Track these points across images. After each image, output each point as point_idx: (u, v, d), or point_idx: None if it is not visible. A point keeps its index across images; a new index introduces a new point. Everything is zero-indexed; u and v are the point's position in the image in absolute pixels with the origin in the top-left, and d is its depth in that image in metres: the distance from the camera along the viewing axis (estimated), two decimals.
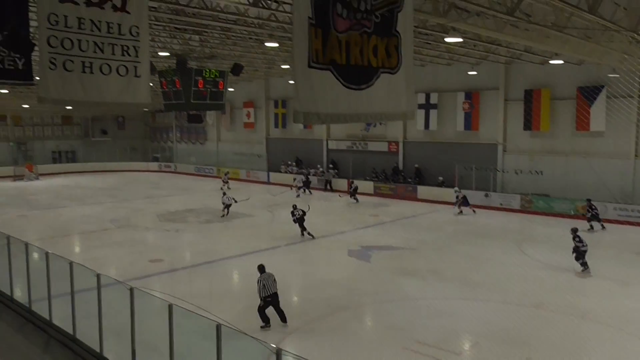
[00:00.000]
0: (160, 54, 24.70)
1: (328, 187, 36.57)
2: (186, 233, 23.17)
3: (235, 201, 27.69)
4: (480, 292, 15.54)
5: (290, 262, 18.49)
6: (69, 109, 50.33)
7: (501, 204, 29.56)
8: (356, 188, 32.96)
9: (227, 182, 36.88)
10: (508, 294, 15.31)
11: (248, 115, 45.69)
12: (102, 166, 51.91)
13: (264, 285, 12.65)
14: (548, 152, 29.82)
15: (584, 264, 17.65)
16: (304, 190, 35.52)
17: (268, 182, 40.35)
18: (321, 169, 39.16)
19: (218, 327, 7.95)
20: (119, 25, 8.57)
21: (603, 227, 24.27)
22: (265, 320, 12.86)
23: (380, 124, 35.86)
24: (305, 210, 23.01)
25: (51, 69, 8.07)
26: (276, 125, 43.38)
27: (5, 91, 36.90)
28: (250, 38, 22.57)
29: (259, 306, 12.84)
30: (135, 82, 8.83)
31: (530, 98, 30.19)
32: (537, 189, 29.37)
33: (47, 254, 11.92)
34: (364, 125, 37.07)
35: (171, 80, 24.32)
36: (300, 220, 22.54)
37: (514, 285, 16.19)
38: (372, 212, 28.51)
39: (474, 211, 28.49)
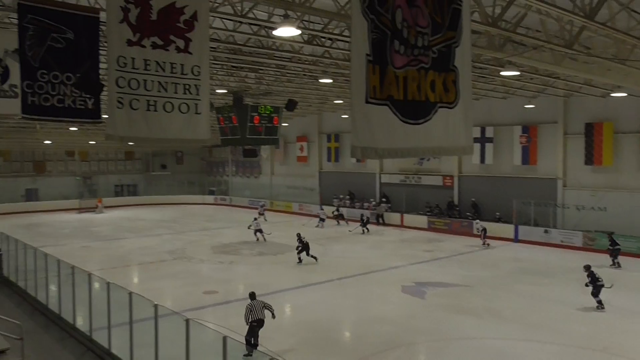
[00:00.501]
0: (218, 91, 25.41)
1: (380, 220, 36.50)
2: (240, 265, 23.51)
3: (261, 232, 28.31)
4: (541, 333, 15.18)
5: (342, 296, 18.48)
6: (132, 145, 52.50)
7: (562, 241, 28.92)
8: (367, 220, 33.98)
9: (262, 214, 37.48)
10: (571, 336, 14.89)
11: (301, 149, 46.33)
12: (161, 199, 53.52)
13: (251, 310, 12.89)
14: (612, 188, 29.11)
15: (600, 302, 17.46)
16: (337, 223, 35.87)
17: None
18: (373, 203, 39.17)
19: None
20: (182, 65, 8.88)
21: (618, 265, 23.77)
22: (250, 349, 12.65)
23: (434, 157, 35.78)
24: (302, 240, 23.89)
25: (119, 107, 8.25)
26: (329, 159, 43.76)
27: (75, 129, 38.81)
28: (305, 75, 23.00)
29: (247, 333, 12.78)
30: (195, 119, 9.01)
31: (591, 132, 29.67)
32: (600, 226, 28.64)
33: (108, 284, 12.26)
34: (417, 159, 37.05)
35: (228, 116, 25.08)
36: (305, 248, 23.27)
37: (577, 327, 15.75)
38: (426, 248, 28.28)
39: (484, 243, 28.55)
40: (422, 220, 34.90)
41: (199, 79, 9.09)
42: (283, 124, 33.72)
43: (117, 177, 55.41)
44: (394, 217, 36.46)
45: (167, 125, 8.69)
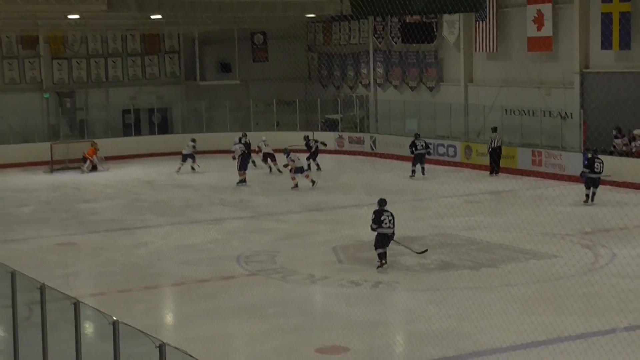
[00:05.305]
0: None
1: None
2: (398, 292, 14.47)
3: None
4: None
5: None
6: (157, 22, 30.80)
7: None
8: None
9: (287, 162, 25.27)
10: None
11: (538, 19, 27.13)
12: (219, 141, 32.31)
13: None
14: None
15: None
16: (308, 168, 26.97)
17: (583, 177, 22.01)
18: None
19: None
20: None
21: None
22: None
23: None
24: None
25: None
26: (606, 43, 24.84)
27: None
28: None
29: None
30: None
31: None
32: None
33: (114, 324, 7.69)
34: None
35: None
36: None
37: None
38: None
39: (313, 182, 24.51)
40: None
41: None
42: None
43: (127, 92, 35.41)
44: None
45: None
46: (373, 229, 14.87)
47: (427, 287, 14.26)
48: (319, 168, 27.82)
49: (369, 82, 34.75)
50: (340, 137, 33.41)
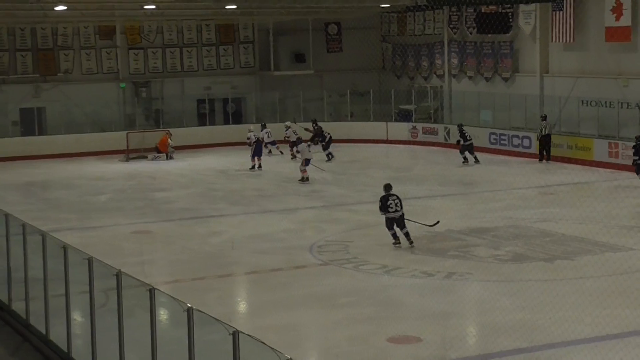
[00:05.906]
0: None
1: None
2: (470, 283, 14.07)
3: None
4: None
5: None
6: (232, 12, 31.11)
7: None
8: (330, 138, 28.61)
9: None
10: None
11: (616, 9, 25.99)
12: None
13: None
14: None
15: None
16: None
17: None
18: None
19: None
20: None
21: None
22: None
23: None
24: None
25: None
26: None
27: None
28: None
29: None
30: None
31: None
32: None
33: (189, 310, 7.51)
34: None
35: None
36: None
37: None
38: None
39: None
40: None
41: None
42: None
43: (203, 82, 35.08)
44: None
45: None
46: (382, 215, 15.93)
47: (500, 279, 13.91)
48: (331, 158, 27.97)
49: (444, 72, 33.77)
50: (414, 127, 32.81)
